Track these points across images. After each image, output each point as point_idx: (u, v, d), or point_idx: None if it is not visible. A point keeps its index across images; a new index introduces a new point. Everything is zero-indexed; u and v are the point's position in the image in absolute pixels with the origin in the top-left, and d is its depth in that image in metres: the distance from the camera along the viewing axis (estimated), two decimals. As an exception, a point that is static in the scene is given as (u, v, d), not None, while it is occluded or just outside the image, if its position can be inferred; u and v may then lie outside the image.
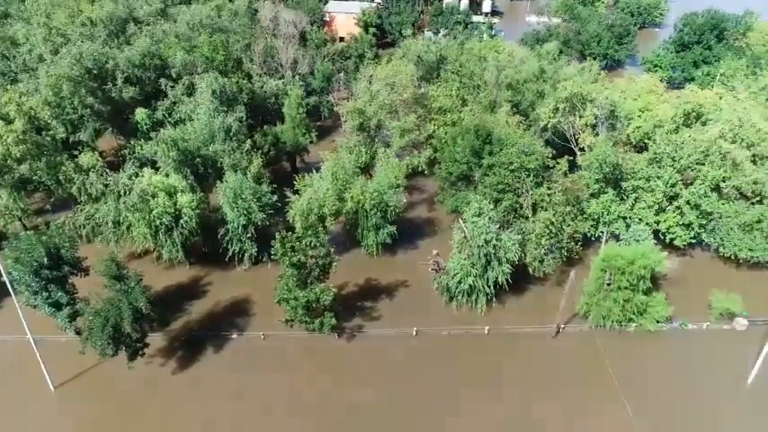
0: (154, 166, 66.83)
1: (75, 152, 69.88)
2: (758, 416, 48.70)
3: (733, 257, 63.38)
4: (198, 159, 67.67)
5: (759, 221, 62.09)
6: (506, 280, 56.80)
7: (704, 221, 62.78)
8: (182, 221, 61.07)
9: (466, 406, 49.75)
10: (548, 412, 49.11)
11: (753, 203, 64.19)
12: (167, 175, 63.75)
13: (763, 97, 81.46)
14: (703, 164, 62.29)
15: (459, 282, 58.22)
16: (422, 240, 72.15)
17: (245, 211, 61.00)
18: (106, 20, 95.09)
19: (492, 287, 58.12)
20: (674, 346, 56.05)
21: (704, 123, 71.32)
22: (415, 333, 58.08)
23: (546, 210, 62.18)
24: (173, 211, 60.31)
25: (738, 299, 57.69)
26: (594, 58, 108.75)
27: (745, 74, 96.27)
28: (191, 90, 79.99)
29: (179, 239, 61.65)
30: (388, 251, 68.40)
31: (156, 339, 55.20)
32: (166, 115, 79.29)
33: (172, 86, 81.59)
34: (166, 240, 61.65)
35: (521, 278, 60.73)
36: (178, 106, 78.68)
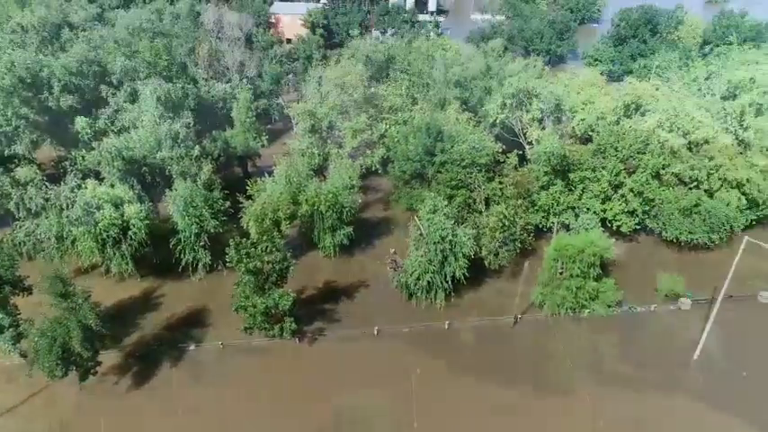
0: (98, 177, 64.37)
1: (12, 165, 66.46)
2: (705, 386, 51.63)
3: (675, 241, 66.57)
4: (145, 168, 65.58)
5: (696, 206, 65.44)
6: (463, 274, 57.73)
7: (647, 208, 65.60)
8: (130, 233, 59.03)
9: (429, 400, 50.27)
10: (507, 399, 50.29)
11: (690, 188, 67.55)
12: (112, 186, 61.55)
13: (696, 87, 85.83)
14: (644, 153, 65.04)
15: (418, 278, 58.75)
16: (379, 240, 72.28)
17: (197, 220, 59.59)
18: (38, 25, 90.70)
19: (450, 282, 58.93)
20: (624, 329, 58.40)
21: (643, 114, 74.57)
22: (376, 332, 58.13)
23: (498, 204, 63.61)
24: (120, 222, 58.23)
25: (682, 280, 60.75)
26: (538, 54, 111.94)
27: (678, 65, 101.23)
28: (134, 97, 77.35)
29: (128, 252, 59.59)
30: (346, 252, 68.24)
31: (110, 357, 53.15)
32: (109, 124, 76.38)
33: (113, 94, 78.67)
34: (115, 253, 59.49)
35: (477, 272, 61.71)
36: (121, 114, 75.93)
